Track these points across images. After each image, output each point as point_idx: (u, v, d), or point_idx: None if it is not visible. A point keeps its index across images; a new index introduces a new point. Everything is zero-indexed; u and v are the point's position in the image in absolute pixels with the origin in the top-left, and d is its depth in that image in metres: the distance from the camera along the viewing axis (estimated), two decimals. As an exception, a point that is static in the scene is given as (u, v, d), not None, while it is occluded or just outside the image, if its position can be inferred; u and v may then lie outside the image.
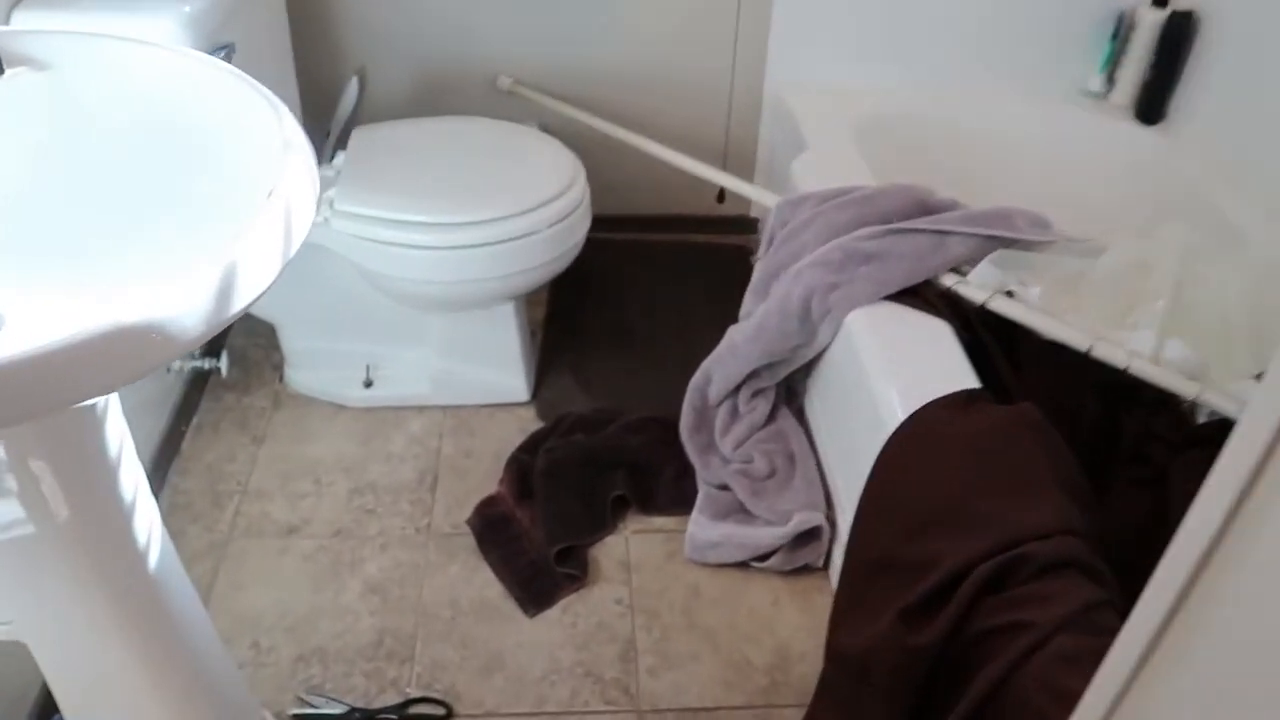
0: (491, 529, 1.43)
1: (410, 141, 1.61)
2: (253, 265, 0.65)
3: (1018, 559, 1.03)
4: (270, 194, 0.71)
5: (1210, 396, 1.24)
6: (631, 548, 1.45)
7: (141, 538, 0.89)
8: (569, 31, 1.86)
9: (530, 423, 1.63)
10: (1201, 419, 1.31)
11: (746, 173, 2.07)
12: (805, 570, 1.42)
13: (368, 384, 1.63)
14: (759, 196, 1.65)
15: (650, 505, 1.50)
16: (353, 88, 1.84)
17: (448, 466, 1.55)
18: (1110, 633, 0.99)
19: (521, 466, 1.51)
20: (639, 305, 1.91)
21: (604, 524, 1.46)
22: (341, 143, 1.66)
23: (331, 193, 1.47)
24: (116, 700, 0.94)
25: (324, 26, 1.83)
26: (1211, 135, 1.79)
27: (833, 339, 1.42)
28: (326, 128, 1.77)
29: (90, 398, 0.59)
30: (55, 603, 0.86)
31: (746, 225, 2.13)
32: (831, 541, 1.42)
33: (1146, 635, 0.61)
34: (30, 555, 0.83)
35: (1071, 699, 0.82)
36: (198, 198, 0.80)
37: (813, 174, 1.66)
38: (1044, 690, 0.93)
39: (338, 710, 1.19)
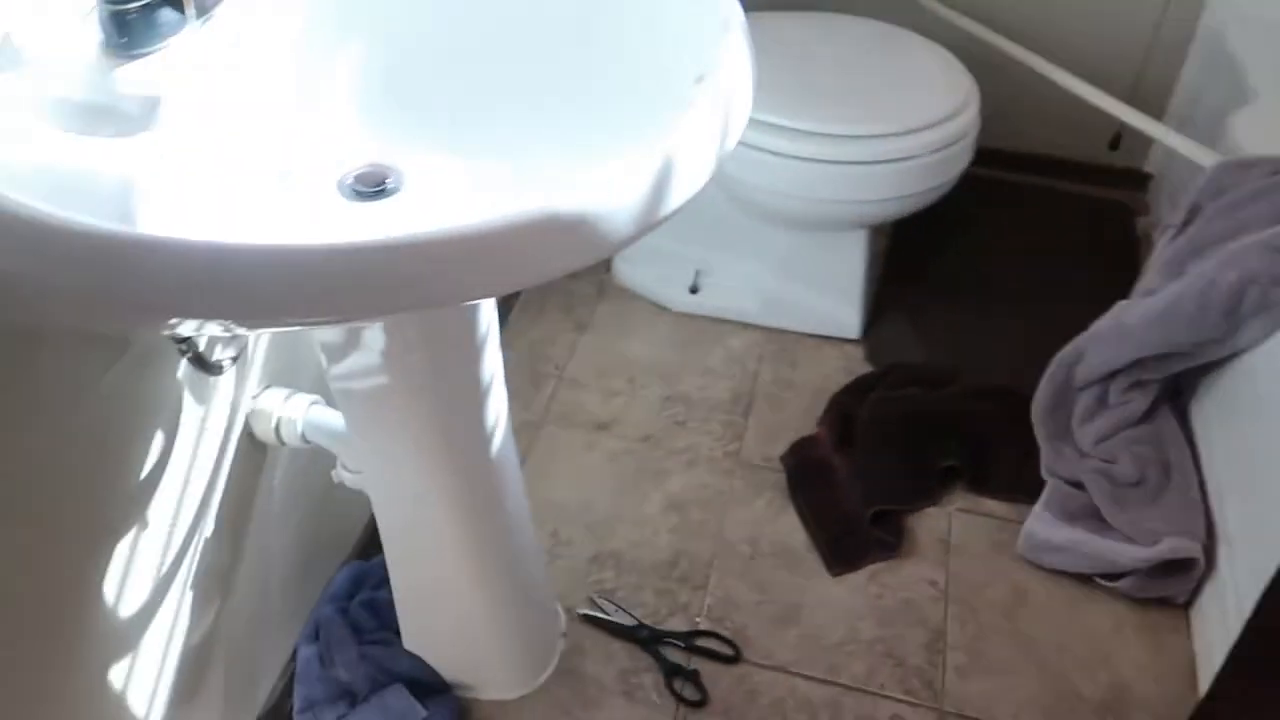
0: (805, 472, 1.31)
1: (789, 36, 1.47)
2: (690, 161, 0.56)
3: None
4: (700, 79, 0.61)
5: None
6: (954, 527, 1.28)
7: (491, 415, 0.86)
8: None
9: (857, 363, 1.49)
10: None
11: (1156, 116, 1.75)
12: (1161, 603, 1.20)
13: (693, 290, 1.55)
14: (1193, 153, 1.37)
15: (984, 484, 1.33)
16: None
17: (764, 393, 1.44)
18: None
19: (845, 410, 1.38)
20: (998, 255, 1.68)
21: (927, 493, 1.31)
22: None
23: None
24: (434, 554, 0.93)
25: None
26: None
27: (1262, 342, 1.16)
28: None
29: (502, 290, 0.52)
30: (401, 462, 0.85)
31: (1138, 180, 1.82)
32: (1204, 579, 1.18)
33: None
34: (386, 415, 0.82)
35: None
36: (611, 77, 0.71)
37: (1260, 130, 1.35)
38: None
39: (626, 622, 1.14)
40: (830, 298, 1.51)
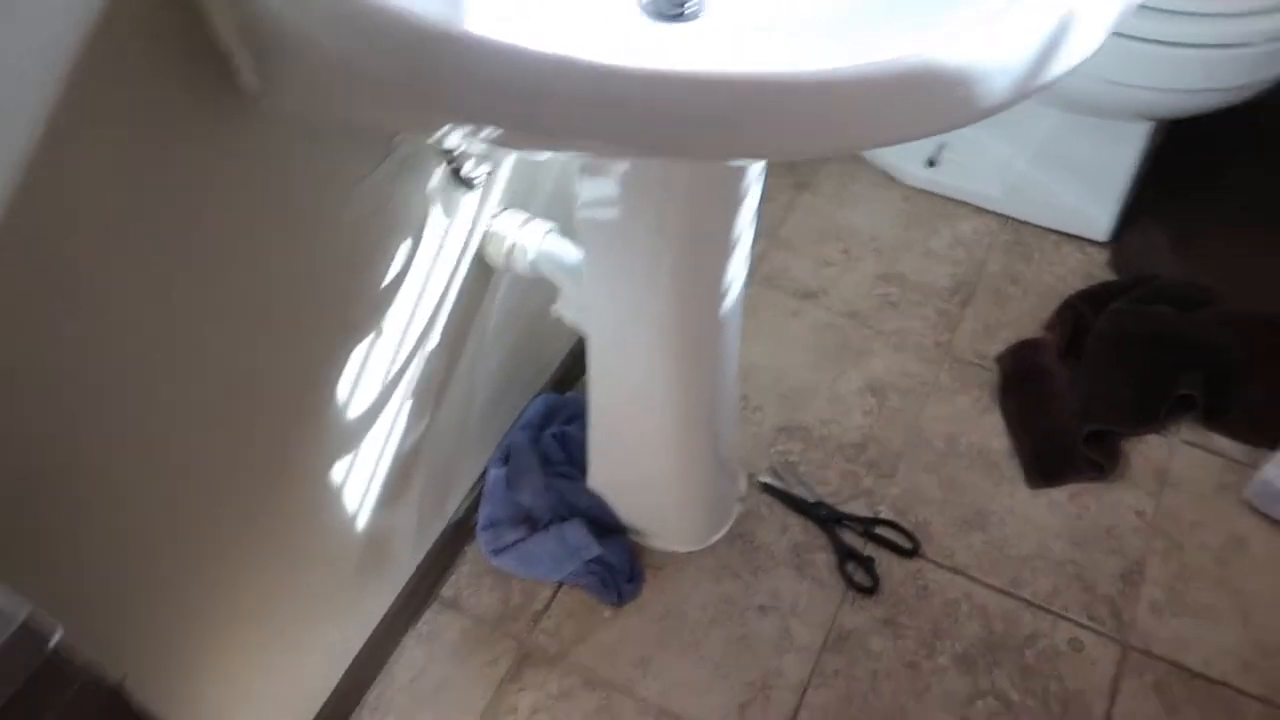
0: (1021, 376, 1.23)
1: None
2: (1086, 17, 0.47)
3: None
4: None
5: None
6: (1176, 459, 1.18)
7: (732, 272, 0.84)
8: None
9: (1100, 269, 1.36)
10: None
11: None
12: None
13: (931, 163, 1.44)
14: None
15: (1219, 420, 1.21)
16: None
17: (988, 285, 1.35)
18: None
19: (1078, 317, 1.27)
20: (1289, 167, 1.47)
21: (1154, 419, 1.20)
22: None
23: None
24: (642, 403, 0.94)
25: None
26: None
27: None
28: None
29: (839, 151, 0.48)
30: (632, 307, 0.85)
31: None
32: None
33: None
34: (629, 256, 0.80)
35: None
36: None
37: None
38: None
39: (807, 497, 1.14)
40: (1083, 192, 1.38)
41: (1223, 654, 1.04)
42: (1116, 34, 1.16)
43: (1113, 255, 1.38)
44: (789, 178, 1.48)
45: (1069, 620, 1.06)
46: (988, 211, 1.43)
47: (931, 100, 0.44)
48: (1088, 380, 1.21)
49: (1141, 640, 1.05)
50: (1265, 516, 1.13)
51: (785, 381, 1.25)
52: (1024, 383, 1.23)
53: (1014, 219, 1.42)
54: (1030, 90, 0.46)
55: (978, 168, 1.42)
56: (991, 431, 1.21)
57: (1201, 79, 1.15)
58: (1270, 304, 1.27)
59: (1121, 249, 1.38)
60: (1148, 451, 1.19)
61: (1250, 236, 1.40)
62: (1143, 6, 1.11)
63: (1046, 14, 0.44)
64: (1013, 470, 1.17)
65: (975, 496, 1.15)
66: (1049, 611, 1.07)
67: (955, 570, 1.10)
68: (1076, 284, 1.33)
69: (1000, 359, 1.26)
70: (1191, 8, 1.10)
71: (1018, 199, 1.41)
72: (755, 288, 1.35)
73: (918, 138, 0.48)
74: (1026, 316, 1.31)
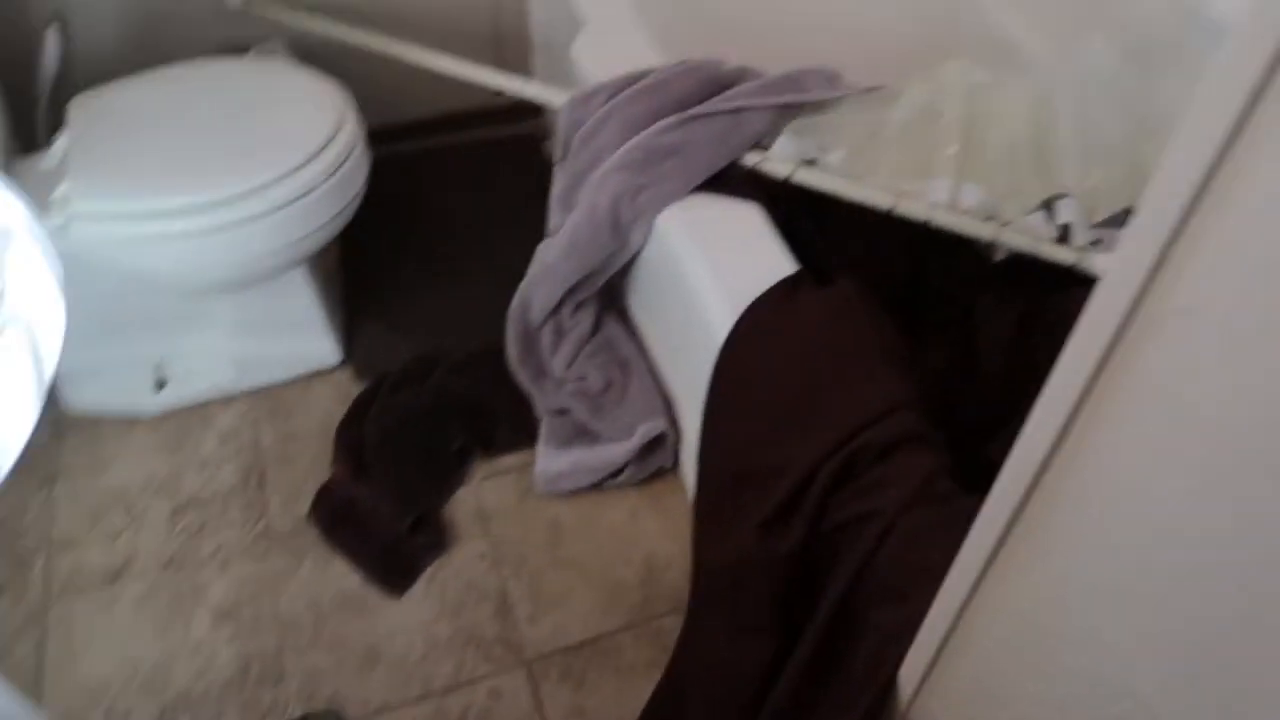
0: (336, 517, 1.35)
1: (142, 105, 1.40)
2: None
3: (858, 450, 1.04)
4: None
5: (1006, 235, 1.27)
6: (484, 496, 1.40)
7: None
8: (288, -65, 1.63)
9: (349, 387, 1.53)
10: (1000, 256, 1.34)
11: (523, 57, 1.92)
12: (656, 475, 1.42)
13: (160, 385, 1.48)
14: (542, 96, 1.53)
15: (494, 447, 1.46)
16: (52, 44, 1.58)
17: (272, 457, 1.44)
18: (948, 497, 1.03)
19: (352, 440, 1.43)
20: (438, 223, 1.79)
21: (451, 480, 1.41)
22: (55, 116, 1.43)
23: (62, 189, 1.27)
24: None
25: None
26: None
27: (645, 242, 1.37)
28: (33, 98, 1.52)
29: None
30: None
31: (532, 110, 2.00)
32: (677, 442, 1.42)
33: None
34: None
35: (926, 571, 0.85)
36: None
37: (595, 56, 1.54)
38: (900, 569, 0.97)
39: (216, 754, 1.13)
40: (299, 336, 1.52)
41: (588, 616, 1.28)
42: (206, 231, 1.29)
43: (354, 369, 1.56)
44: (32, 478, 1.41)
45: (480, 680, 1.21)
46: (235, 397, 1.51)
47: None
48: (384, 484, 1.37)
49: (535, 651, 1.24)
50: (559, 496, 1.41)
51: (140, 669, 1.21)
52: (340, 520, 1.35)
53: (259, 389, 1.52)
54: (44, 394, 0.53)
55: (202, 367, 1.49)
56: (342, 576, 1.31)
57: (302, 226, 1.34)
58: (480, 338, 1.55)
59: (356, 361, 1.56)
60: (463, 505, 1.39)
61: (442, 289, 1.67)
62: (210, 202, 1.26)
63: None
64: (374, 595, 1.29)
65: (360, 638, 1.25)
66: (462, 685, 1.21)
67: (379, 711, 1.18)
68: (340, 411, 1.48)
69: (310, 515, 1.36)
70: (247, 186, 1.27)
71: (252, 371, 1.51)
72: (59, 604, 1.27)
73: None
74: (317, 463, 1.43)
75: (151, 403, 1.48)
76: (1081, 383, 0.56)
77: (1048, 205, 1.29)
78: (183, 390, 1.49)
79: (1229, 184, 0.44)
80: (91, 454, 1.43)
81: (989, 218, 1.29)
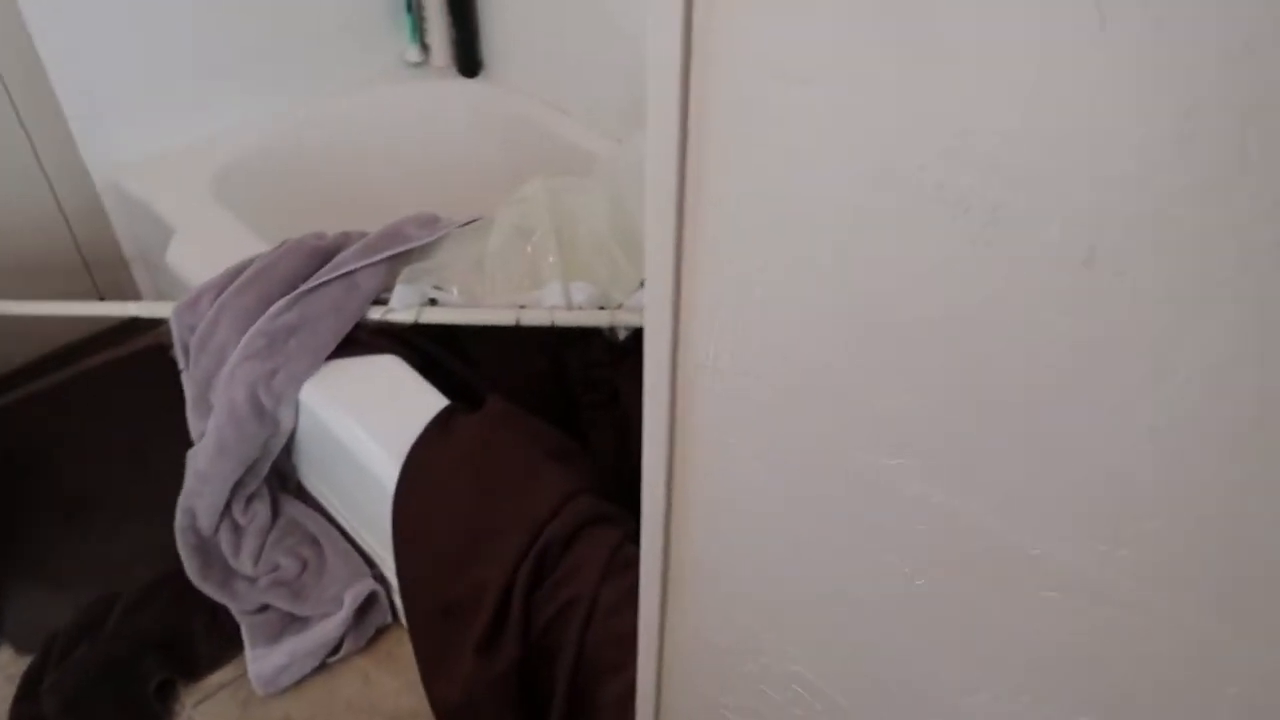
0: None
1: None
2: None
3: (544, 547, 1.13)
4: None
5: (621, 317, 1.44)
6: (202, 723, 1.32)
7: None
8: None
9: (14, 667, 1.38)
10: (623, 335, 1.51)
11: (121, 277, 1.86)
12: (379, 634, 1.42)
13: None
14: (146, 311, 1.51)
15: (197, 669, 1.38)
16: None
17: (-66, 776, 1.26)
18: (635, 562, 1.15)
19: (30, 717, 1.28)
20: (75, 463, 1.67)
21: (161, 717, 1.31)
22: None
23: None
24: None
25: None
26: (525, 70, 1.98)
27: (297, 419, 1.38)
28: None
29: None
30: None
31: (151, 322, 1.93)
32: (390, 595, 1.43)
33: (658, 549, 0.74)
34: None
35: (633, 635, 0.95)
36: None
37: (192, 260, 1.55)
38: (610, 644, 1.06)
39: None
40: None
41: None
42: None
43: (14, 645, 1.41)
44: None
45: None
46: None
47: None
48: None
49: None
50: (284, 693, 1.36)
51: None
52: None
53: (-101, 706, 1.33)
54: None
55: None
56: None
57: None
58: (150, 567, 1.46)
59: (14, 635, 1.42)
60: (180, 742, 1.30)
61: (96, 530, 1.56)
62: None
63: None
64: None
65: None
66: None
67: None
68: (9, 694, 1.33)
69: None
70: None
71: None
72: None
73: None
74: (-7, 761, 1.27)
75: None
76: (665, 431, 0.69)
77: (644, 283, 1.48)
78: None
79: (692, 259, 0.58)
80: None
81: (602, 306, 1.45)
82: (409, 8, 2.04)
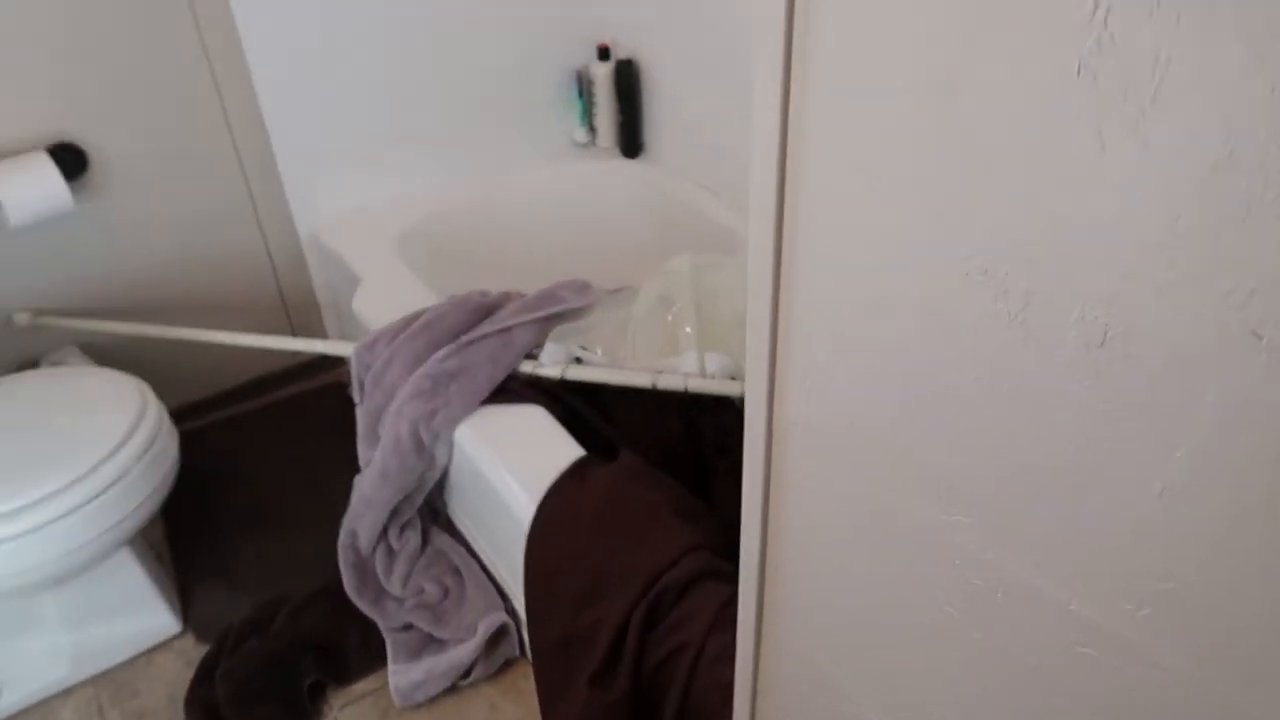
0: (194, 783, 1.37)
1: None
2: None
3: (660, 593, 1.21)
4: None
5: (752, 385, 1.52)
6: (344, 726, 1.46)
7: None
8: (74, 244, 1.78)
9: (194, 653, 1.56)
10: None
11: (314, 319, 2.10)
12: (508, 665, 1.52)
13: (-7, 697, 1.47)
14: (332, 349, 1.71)
15: (347, 676, 1.52)
16: None
17: (120, 741, 1.45)
18: (744, 619, 1.20)
19: (204, 702, 1.45)
20: (259, 481, 1.88)
21: (309, 717, 1.45)
22: None
23: None
24: None
25: None
26: (682, 154, 2.13)
27: (450, 457, 1.53)
28: None
29: None
30: None
31: (334, 360, 2.16)
32: (519, 630, 1.53)
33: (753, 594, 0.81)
34: None
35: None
36: None
37: (374, 307, 1.75)
38: (714, 690, 1.12)
39: None
40: (133, 613, 1.56)
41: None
42: (20, 535, 1.34)
43: (195, 634, 1.60)
44: None
45: None
46: (74, 688, 1.52)
47: None
48: (242, 739, 1.40)
49: None
50: (419, 707, 1.48)
51: None
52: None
53: (100, 674, 1.53)
54: None
55: (35, 668, 1.50)
56: (210, 841, 1.31)
57: (119, 511, 1.40)
58: (316, 578, 1.63)
59: (197, 625, 1.61)
60: (324, 739, 1.44)
61: (272, 541, 1.75)
62: (17, 509, 1.32)
63: None
64: None
65: None
66: None
67: None
68: (188, 676, 1.51)
69: (168, 789, 1.37)
70: (58, 485, 1.33)
71: (88, 660, 1.53)
72: None
73: None
74: (169, 735, 1.45)
75: (-13, 717, 1.46)
76: (761, 479, 0.76)
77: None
78: (17, 696, 1.48)
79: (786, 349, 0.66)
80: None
81: (733, 377, 1.53)
82: (580, 94, 2.23)
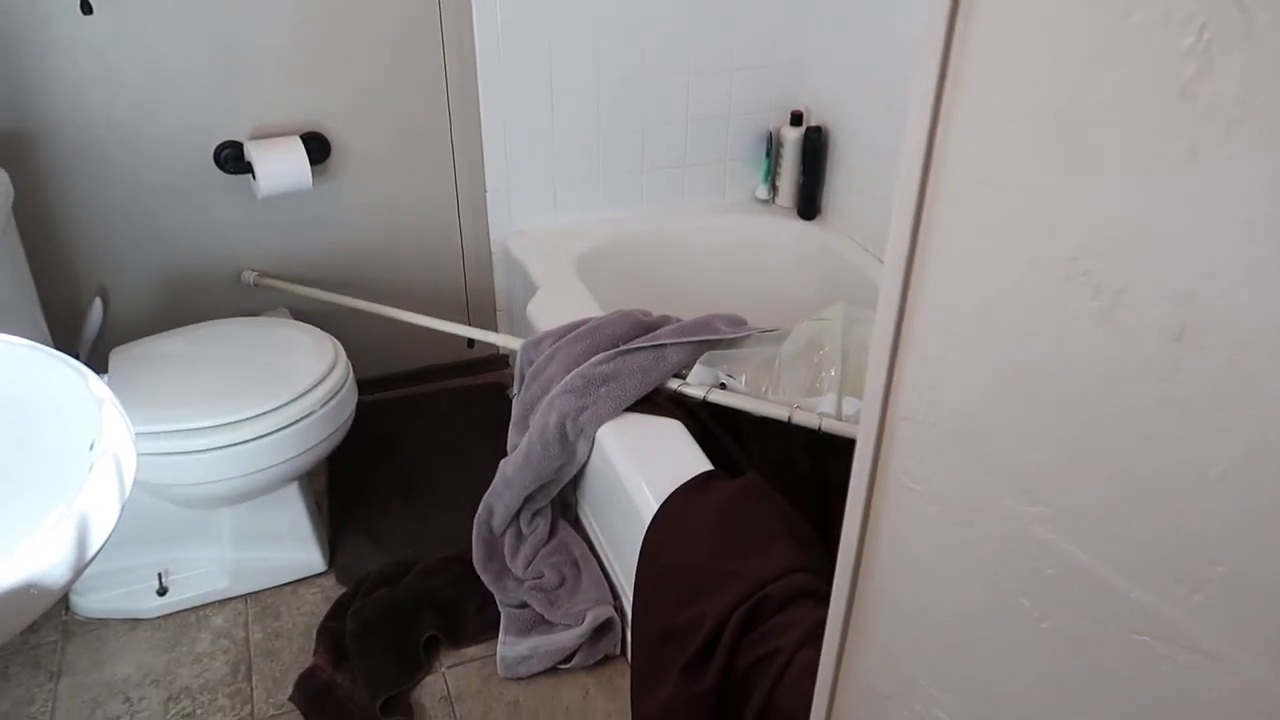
0: (314, 699, 1.50)
1: (171, 352, 1.70)
2: (98, 511, 0.77)
3: (761, 600, 1.26)
4: (92, 446, 0.83)
5: (884, 436, 1.56)
6: (450, 682, 1.57)
7: None
8: (303, 219, 2.03)
9: (333, 591, 1.73)
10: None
11: (489, 318, 2.29)
12: (607, 660, 1.60)
13: (162, 591, 1.67)
14: (504, 342, 1.87)
15: (460, 638, 1.64)
16: (96, 310, 1.91)
17: (260, 652, 1.61)
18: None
19: (333, 633, 1.60)
20: (415, 456, 2.06)
21: (421, 667, 1.58)
22: (95, 367, 1.72)
23: (96, 417, 1.53)
24: None
25: (58, 250, 1.89)
26: (854, 221, 2.21)
27: (590, 454, 1.64)
28: (75, 354, 1.82)
29: None
30: None
31: (499, 363, 2.34)
32: (624, 629, 1.61)
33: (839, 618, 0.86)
34: None
35: None
36: (25, 460, 0.90)
37: (546, 312, 1.90)
38: (797, 698, 1.16)
39: None
40: (290, 546, 1.74)
41: (542, 782, 1.41)
42: (218, 448, 1.53)
43: (337, 575, 1.76)
44: (39, 673, 1.56)
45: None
46: (229, 600, 1.70)
47: (29, 598, 0.70)
48: (360, 670, 1.54)
49: (492, 814, 1.37)
50: (518, 679, 1.57)
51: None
52: (318, 702, 1.50)
53: (252, 594, 1.72)
54: (86, 564, 0.75)
55: (201, 574, 1.69)
56: (318, 753, 1.44)
57: (298, 446, 1.59)
58: (448, 547, 1.77)
59: (340, 568, 1.77)
60: (431, 690, 1.56)
61: (417, 509, 1.91)
62: (220, 424, 1.52)
63: (71, 525, 0.74)
64: (348, 769, 1.42)
65: (332, 808, 1.37)
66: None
67: None
68: (324, 611, 1.67)
69: (292, 698, 1.51)
70: (255, 412, 1.54)
71: (245, 579, 1.71)
72: (56, 783, 1.40)
73: (23, 627, 0.72)
74: (301, 656, 1.60)
75: (153, 606, 1.66)
76: (868, 474, 0.83)
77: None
78: (182, 596, 1.68)
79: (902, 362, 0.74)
80: (95, 652, 1.59)
81: (868, 425, 1.58)
82: (768, 153, 2.36)
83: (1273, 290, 0.46)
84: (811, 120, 2.28)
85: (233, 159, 1.90)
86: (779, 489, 1.49)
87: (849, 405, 1.59)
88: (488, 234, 2.19)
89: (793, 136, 2.28)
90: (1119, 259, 0.53)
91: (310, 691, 1.51)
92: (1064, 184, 0.56)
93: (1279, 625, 0.50)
